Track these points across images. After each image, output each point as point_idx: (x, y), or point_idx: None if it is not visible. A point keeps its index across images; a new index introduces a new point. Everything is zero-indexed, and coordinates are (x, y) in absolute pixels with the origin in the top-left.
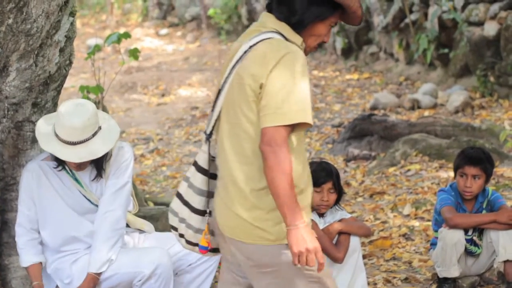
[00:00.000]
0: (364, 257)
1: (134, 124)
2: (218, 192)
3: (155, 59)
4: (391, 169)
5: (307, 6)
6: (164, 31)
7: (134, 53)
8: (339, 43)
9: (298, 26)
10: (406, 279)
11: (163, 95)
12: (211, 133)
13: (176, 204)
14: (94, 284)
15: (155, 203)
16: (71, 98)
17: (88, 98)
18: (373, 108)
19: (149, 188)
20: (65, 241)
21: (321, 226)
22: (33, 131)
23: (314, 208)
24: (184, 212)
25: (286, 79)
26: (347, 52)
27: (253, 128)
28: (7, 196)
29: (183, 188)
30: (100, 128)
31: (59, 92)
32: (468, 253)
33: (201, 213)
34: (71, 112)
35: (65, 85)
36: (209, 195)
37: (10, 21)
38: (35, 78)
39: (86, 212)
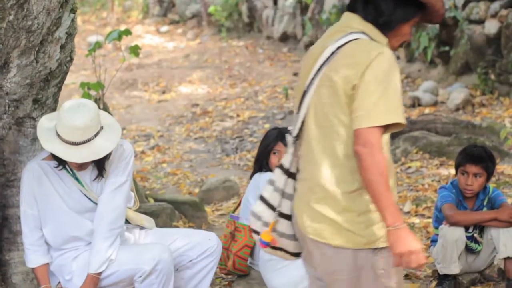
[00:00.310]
0: None
1: (134, 121)
2: (300, 194)
3: (156, 56)
4: None
5: (393, 7)
6: (164, 28)
7: (134, 50)
8: None
9: (386, 27)
10: (406, 275)
11: (163, 92)
12: (297, 135)
13: (260, 208)
14: (95, 284)
15: (156, 200)
16: (72, 94)
17: (89, 95)
18: None
19: (149, 185)
20: (66, 240)
21: None
22: (34, 127)
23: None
24: (270, 216)
25: (379, 80)
26: None
27: (345, 131)
28: (7, 192)
29: (267, 192)
30: (102, 128)
31: (60, 89)
32: (468, 250)
33: (287, 217)
34: (73, 112)
35: (65, 82)
36: (290, 197)
37: (11, 17)
38: (36, 75)
39: (87, 211)
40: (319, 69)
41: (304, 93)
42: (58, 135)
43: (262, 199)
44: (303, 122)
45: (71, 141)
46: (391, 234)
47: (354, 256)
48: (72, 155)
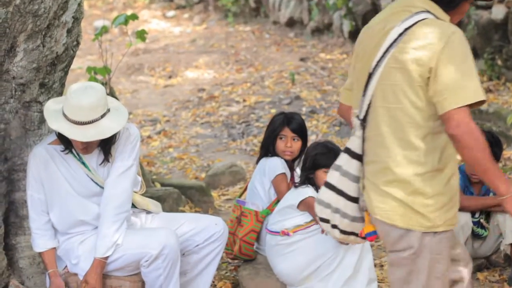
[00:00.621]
0: None
1: (141, 105)
2: (368, 176)
3: (162, 41)
4: None
5: None
6: (171, 13)
7: (141, 35)
8: (347, 25)
9: (449, 5)
10: None
11: (170, 77)
12: (364, 118)
13: (327, 195)
14: (102, 268)
15: (162, 184)
16: (78, 79)
17: (95, 79)
18: None
19: (156, 170)
20: (73, 224)
21: None
22: (41, 112)
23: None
24: (340, 202)
25: (459, 60)
26: (354, 35)
27: (418, 113)
28: (14, 177)
29: (334, 178)
30: (108, 110)
31: (66, 73)
32: (474, 235)
33: (356, 200)
34: (80, 93)
35: (72, 67)
36: (357, 180)
37: (18, 1)
38: (42, 59)
39: (94, 195)
40: (386, 51)
41: (370, 75)
42: (65, 115)
43: (329, 186)
44: (369, 105)
45: (77, 120)
46: (508, 201)
47: (418, 238)
48: (77, 134)
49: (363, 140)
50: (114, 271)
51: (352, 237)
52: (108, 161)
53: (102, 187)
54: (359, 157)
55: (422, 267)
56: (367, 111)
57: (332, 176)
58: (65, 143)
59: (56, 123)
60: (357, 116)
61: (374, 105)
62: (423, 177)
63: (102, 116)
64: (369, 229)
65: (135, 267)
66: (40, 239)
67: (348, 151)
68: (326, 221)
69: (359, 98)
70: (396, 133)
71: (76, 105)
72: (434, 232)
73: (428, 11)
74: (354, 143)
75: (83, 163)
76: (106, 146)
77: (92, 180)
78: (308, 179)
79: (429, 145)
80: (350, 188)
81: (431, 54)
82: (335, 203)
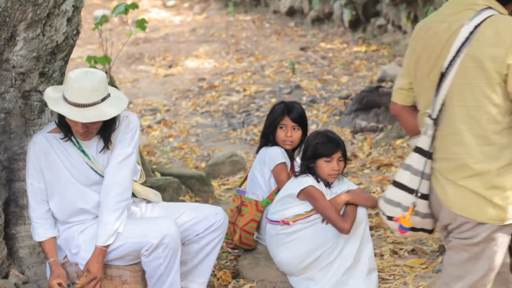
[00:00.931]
0: (371, 228)
1: (141, 95)
2: (442, 173)
3: (162, 31)
4: (399, 141)
5: None
6: (171, 2)
7: (141, 24)
8: (347, 15)
9: (506, 0)
10: (413, 250)
11: (170, 66)
12: (437, 117)
13: (397, 194)
14: (103, 257)
15: (162, 174)
16: (78, 68)
17: (95, 68)
18: (381, 80)
19: (156, 159)
20: (73, 213)
21: (328, 197)
22: (41, 101)
23: (323, 179)
24: (411, 200)
25: None
26: (354, 24)
27: (496, 110)
28: (14, 166)
29: (405, 177)
30: (109, 95)
31: (66, 62)
32: None
33: (427, 197)
34: (81, 76)
35: (72, 56)
36: (428, 177)
37: None
38: (42, 48)
39: (93, 183)
40: (458, 50)
41: (443, 74)
42: (65, 99)
43: (398, 185)
44: (442, 104)
45: (78, 102)
46: None
47: (489, 230)
48: (77, 115)
49: (433, 139)
50: (115, 260)
51: (420, 233)
52: (108, 148)
53: (101, 176)
54: (430, 155)
55: (484, 257)
56: (440, 110)
57: (402, 175)
58: (65, 130)
59: (56, 105)
60: (429, 116)
61: (449, 104)
62: (501, 171)
63: (103, 100)
64: (406, 224)
65: (136, 257)
66: (40, 228)
67: (419, 150)
68: (391, 218)
69: (429, 98)
70: (474, 130)
71: (77, 88)
72: (505, 224)
73: (490, 8)
74: (424, 142)
75: (83, 151)
76: (106, 133)
77: (92, 168)
78: (309, 168)
79: (506, 140)
80: (422, 186)
81: (506, 51)
82: (406, 202)
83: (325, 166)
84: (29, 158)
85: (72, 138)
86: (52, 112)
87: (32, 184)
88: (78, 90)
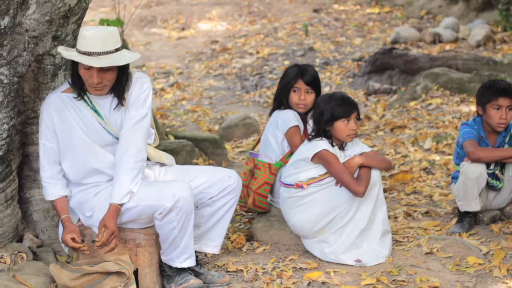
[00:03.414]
0: (384, 190)
1: (154, 58)
2: None
3: None
4: (412, 103)
5: None
6: None
7: None
8: None
9: None
10: (426, 212)
11: (183, 29)
12: None
13: None
14: (117, 214)
15: (176, 137)
16: None
17: None
18: (394, 42)
19: (169, 122)
20: (87, 174)
21: (341, 160)
22: (54, 65)
23: (339, 141)
24: None
25: None
26: None
27: None
28: (28, 130)
29: None
30: (122, 48)
31: (79, 26)
32: (489, 187)
33: None
34: (92, 28)
35: (84, 19)
36: None
37: None
38: (55, 11)
39: (107, 144)
40: None
41: None
42: (78, 51)
43: None
44: None
45: (91, 51)
46: None
47: None
48: (91, 61)
49: None
50: (128, 223)
51: None
52: (122, 105)
53: (114, 137)
54: None
55: None
56: None
57: None
58: (78, 89)
59: (70, 55)
60: None
61: None
62: None
63: (116, 50)
64: None
65: (149, 220)
66: (51, 188)
67: None
68: None
69: None
70: None
71: (89, 36)
72: None
73: None
74: None
75: (96, 111)
76: (119, 89)
77: (105, 128)
78: (324, 132)
79: None
80: None
81: None
82: None
83: (343, 127)
84: (42, 118)
85: (85, 97)
86: (65, 75)
87: (45, 145)
88: (90, 38)
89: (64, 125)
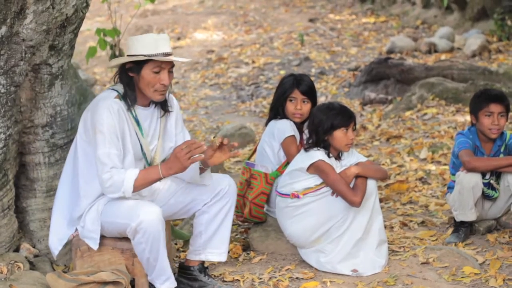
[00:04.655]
0: (380, 200)
1: None
2: None
3: (170, 2)
4: (408, 113)
5: None
6: None
7: None
8: None
9: None
10: (422, 222)
11: (178, 39)
12: None
13: None
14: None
15: None
16: (87, 41)
17: (105, 41)
18: (390, 51)
19: None
20: None
21: (338, 170)
22: (50, 74)
23: (336, 151)
24: None
25: None
26: None
27: None
28: (25, 139)
29: None
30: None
31: (76, 35)
32: (485, 197)
33: None
34: (149, 34)
35: (81, 29)
36: None
37: None
38: (52, 21)
39: (138, 159)
40: None
41: None
42: (146, 55)
43: None
44: None
45: (165, 52)
46: None
47: None
48: (174, 59)
49: None
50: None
51: None
52: (168, 111)
53: (144, 154)
54: None
55: None
56: None
57: None
58: (131, 100)
59: (138, 57)
60: None
61: None
62: None
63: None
64: None
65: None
66: (125, 174)
67: None
68: None
69: None
70: None
71: (158, 38)
72: None
73: None
74: None
75: (138, 125)
76: (163, 101)
77: (140, 144)
78: (323, 142)
79: None
80: None
81: None
82: None
83: (342, 136)
84: (104, 124)
85: (133, 110)
86: (61, 84)
87: (112, 153)
88: (160, 40)
89: (120, 133)
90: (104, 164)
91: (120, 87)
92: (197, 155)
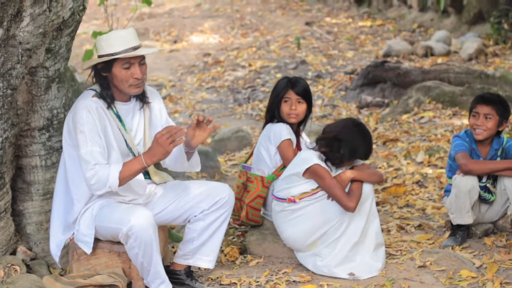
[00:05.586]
0: (377, 204)
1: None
2: None
3: (167, 6)
4: (404, 116)
5: None
6: None
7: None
8: None
9: None
10: (419, 226)
11: (175, 42)
12: None
13: None
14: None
15: None
16: (83, 44)
17: None
18: (386, 55)
19: None
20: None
21: (333, 174)
22: (47, 77)
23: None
24: None
25: None
26: None
27: None
28: (21, 142)
29: None
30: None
31: (72, 38)
32: (482, 200)
33: None
34: (117, 31)
35: (77, 31)
36: None
37: None
38: (48, 24)
39: (125, 155)
40: None
41: None
42: (114, 54)
43: None
44: None
45: (133, 46)
46: None
47: None
48: (141, 51)
49: None
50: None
51: None
52: (147, 102)
53: (130, 149)
54: None
55: None
56: None
57: None
58: (110, 98)
59: (106, 57)
60: None
61: None
62: None
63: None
64: None
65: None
66: (110, 170)
67: None
68: None
69: None
70: None
71: (125, 35)
72: None
73: None
74: None
75: (120, 121)
76: (142, 93)
77: (125, 140)
78: (341, 160)
79: None
80: None
81: None
82: None
83: (356, 163)
84: (85, 123)
85: (113, 106)
86: (58, 87)
87: (94, 151)
88: (126, 36)
89: (102, 131)
90: (88, 162)
91: (98, 87)
92: (178, 139)
